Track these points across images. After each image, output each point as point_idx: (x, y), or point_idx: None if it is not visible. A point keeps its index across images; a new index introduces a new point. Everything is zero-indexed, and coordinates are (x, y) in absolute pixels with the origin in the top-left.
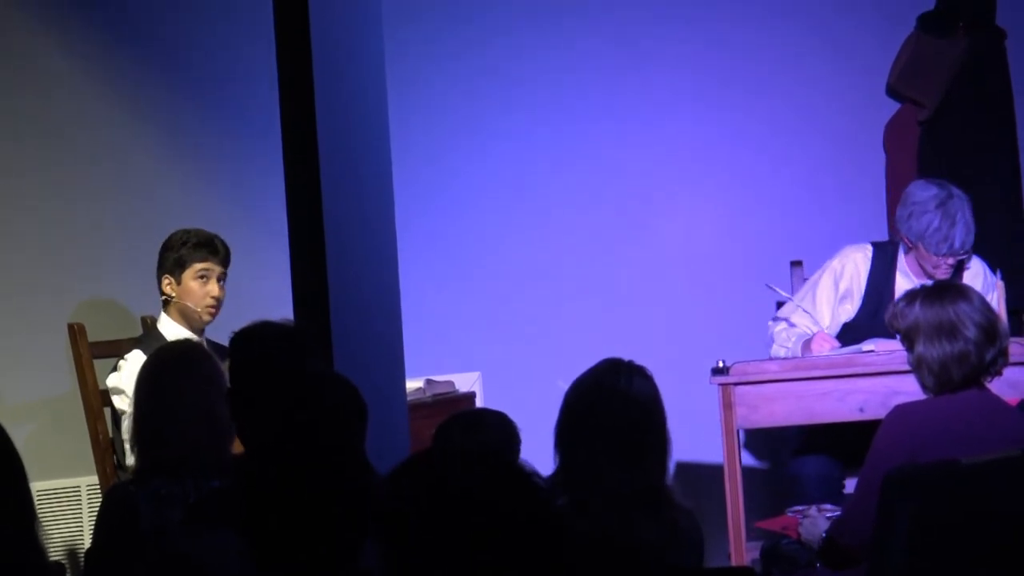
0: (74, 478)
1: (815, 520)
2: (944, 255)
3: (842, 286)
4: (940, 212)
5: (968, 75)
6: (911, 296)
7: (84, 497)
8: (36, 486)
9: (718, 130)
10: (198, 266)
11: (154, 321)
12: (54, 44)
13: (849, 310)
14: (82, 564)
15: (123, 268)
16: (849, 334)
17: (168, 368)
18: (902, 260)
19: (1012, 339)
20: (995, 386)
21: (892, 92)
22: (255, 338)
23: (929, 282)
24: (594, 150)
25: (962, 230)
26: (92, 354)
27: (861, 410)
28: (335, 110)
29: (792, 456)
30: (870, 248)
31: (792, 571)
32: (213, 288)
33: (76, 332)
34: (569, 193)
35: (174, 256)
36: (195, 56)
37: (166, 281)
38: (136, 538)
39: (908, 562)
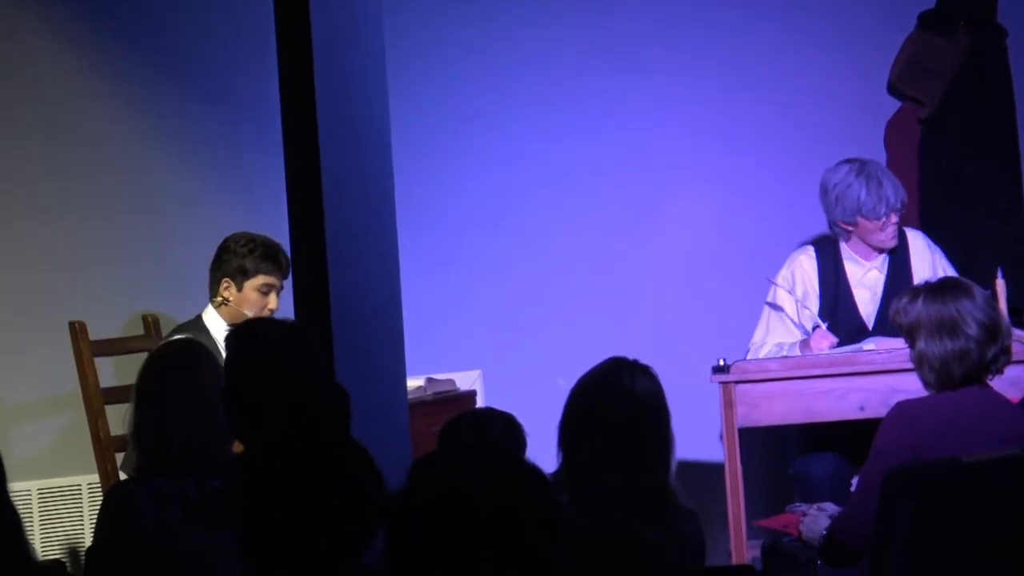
0: (75, 476)
1: (816, 518)
2: (885, 215)
3: (798, 291)
4: (863, 179)
5: (969, 73)
6: (914, 292)
7: (85, 495)
8: (37, 484)
9: (718, 129)
10: (263, 280)
11: (155, 320)
12: (57, 47)
13: (810, 314)
14: (83, 562)
15: (126, 267)
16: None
17: (171, 366)
18: (845, 248)
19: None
20: (996, 384)
21: (893, 91)
22: (256, 334)
23: (877, 258)
24: (595, 150)
25: (890, 185)
26: (93, 352)
27: (862, 408)
28: (336, 108)
29: (798, 455)
30: (811, 248)
31: (793, 569)
32: (272, 301)
33: (77, 330)
34: (570, 192)
35: (238, 263)
36: (197, 57)
37: (225, 284)
38: (137, 536)
39: (909, 560)
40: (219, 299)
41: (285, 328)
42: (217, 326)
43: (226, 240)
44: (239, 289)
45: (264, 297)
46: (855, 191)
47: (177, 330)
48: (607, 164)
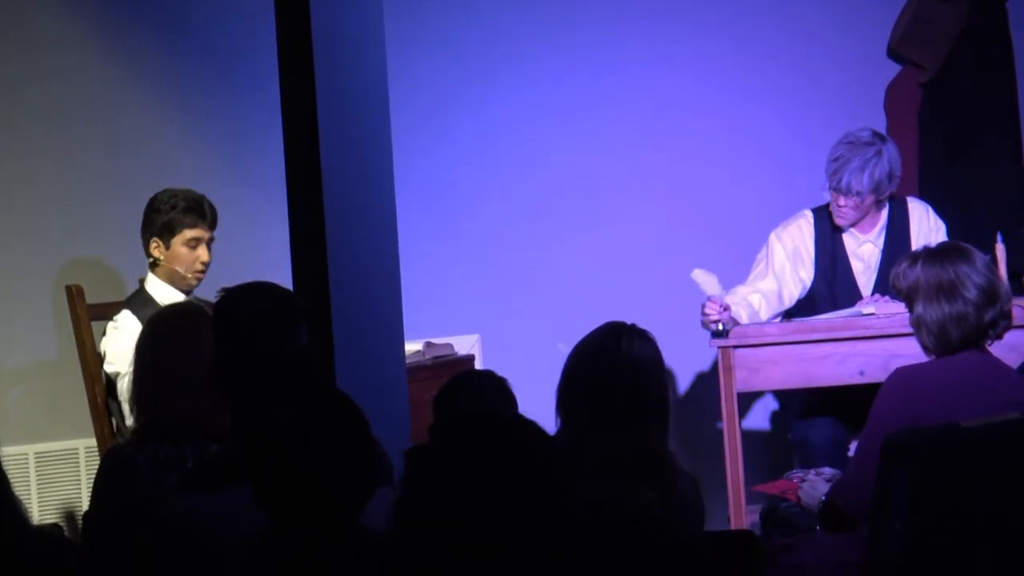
0: (72, 440)
1: (814, 484)
2: (832, 186)
3: (788, 246)
4: (847, 147)
5: (970, 37)
6: (914, 257)
7: (82, 459)
8: (34, 448)
9: (720, 91)
10: (188, 233)
11: (143, 282)
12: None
13: (805, 277)
14: (80, 527)
15: (117, 229)
16: (810, 302)
17: (170, 330)
18: None
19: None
20: (996, 349)
21: (893, 54)
22: (227, 308)
23: (872, 231)
24: (595, 111)
25: (855, 172)
26: (90, 316)
27: (861, 373)
28: (333, 71)
29: (796, 420)
30: (810, 213)
31: (791, 534)
32: (203, 254)
33: (74, 294)
34: (570, 154)
35: (163, 219)
36: (191, 11)
37: (154, 244)
38: (134, 500)
39: (907, 525)
40: (151, 259)
41: (268, 291)
42: (161, 293)
43: (151, 199)
44: (167, 247)
45: (193, 251)
46: (834, 149)
47: (125, 304)
48: (608, 127)
